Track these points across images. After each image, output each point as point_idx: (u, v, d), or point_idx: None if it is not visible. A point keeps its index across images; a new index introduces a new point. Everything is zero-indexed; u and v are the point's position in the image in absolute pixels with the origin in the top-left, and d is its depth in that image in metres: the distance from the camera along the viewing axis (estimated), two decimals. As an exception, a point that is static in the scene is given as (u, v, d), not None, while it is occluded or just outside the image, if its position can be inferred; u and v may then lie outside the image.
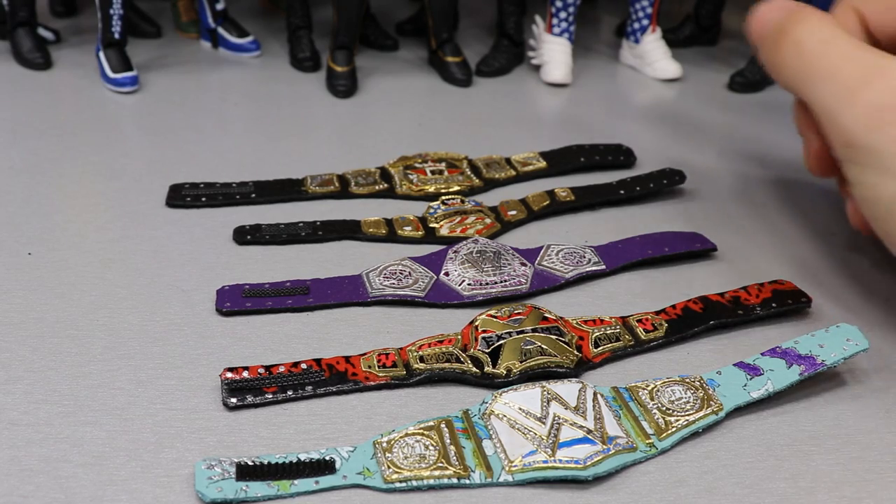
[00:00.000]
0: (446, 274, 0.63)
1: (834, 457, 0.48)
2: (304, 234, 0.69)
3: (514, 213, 0.73)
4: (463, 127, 0.94)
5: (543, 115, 1.02)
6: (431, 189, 0.77)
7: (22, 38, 1.07)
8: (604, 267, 0.65)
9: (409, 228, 0.70)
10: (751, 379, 0.51)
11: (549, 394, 0.49)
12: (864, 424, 0.50)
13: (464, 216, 0.72)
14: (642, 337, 0.56)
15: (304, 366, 0.52)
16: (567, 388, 0.49)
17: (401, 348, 0.54)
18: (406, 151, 0.84)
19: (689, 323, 0.58)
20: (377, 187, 0.77)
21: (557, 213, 0.75)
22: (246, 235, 0.69)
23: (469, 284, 0.62)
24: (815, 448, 0.48)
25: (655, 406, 0.49)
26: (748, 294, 0.60)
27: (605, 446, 0.46)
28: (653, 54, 1.12)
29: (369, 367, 0.53)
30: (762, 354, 0.53)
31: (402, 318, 0.59)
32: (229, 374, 0.51)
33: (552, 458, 0.45)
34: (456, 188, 0.78)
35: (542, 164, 0.83)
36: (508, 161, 0.83)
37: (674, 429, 0.48)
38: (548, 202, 0.74)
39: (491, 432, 0.47)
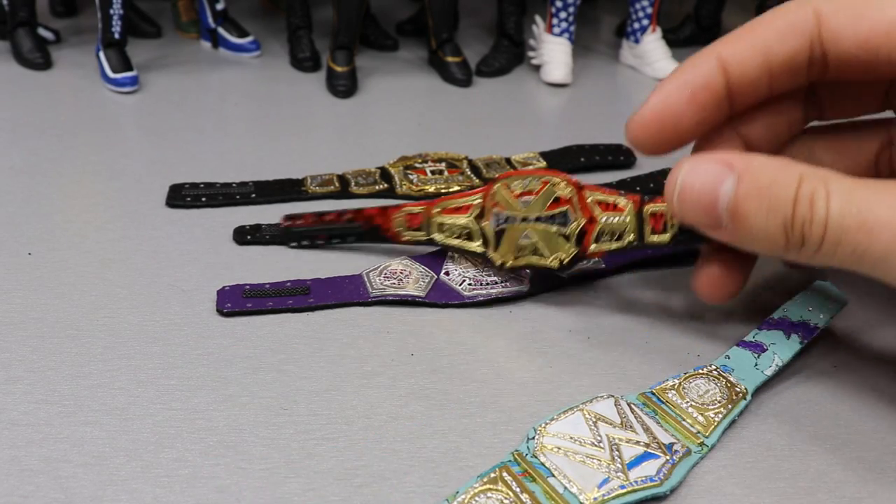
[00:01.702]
0: (447, 273, 0.63)
1: (834, 457, 0.48)
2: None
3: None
4: (463, 127, 0.94)
5: (543, 115, 1.02)
6: (431, 189, 0.77)
7: (22, 38, 1.07)
8: (603, 266, 0.65)
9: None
10: (758, 357, 0.52)
11: (591, 415, 0.48)
12: (863, 424, 0.50)
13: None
14: (647, 238, 0.55)
15: (348, 216, 0.60)
16: (604, 406, 0.49)
17: (427, 207, 0.59)
18: (406, 151, 0.84)
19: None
20: (377, 187, 0.77)
21: (557, 213, 0.75)
22: (246, 235, 0.69)
23: (470, 284, 0.62)
24: (815, 448, 0.48)
25: (689, 404, 0.50)
26: None
27: (667, 456, 0.46)
28: (653, 54, 1.12)
29: (399, 226, 0.58)
30: (759, 329, 0.54)
31: (403, 317, 0.59)
32: (287, 222, 0.61)
33: (628, 482, 0.44)
34: (456, 188, 0.78)
35: (542, 164, 0.83)
36: (508, 161, 0.83)
37: (716, 423, 0.48)
38: (548, 202, 0.75)
39: (552, 469, 0.45)
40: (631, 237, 0.54)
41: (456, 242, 0.57)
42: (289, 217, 0.60)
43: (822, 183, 0.45)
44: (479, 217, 0.56)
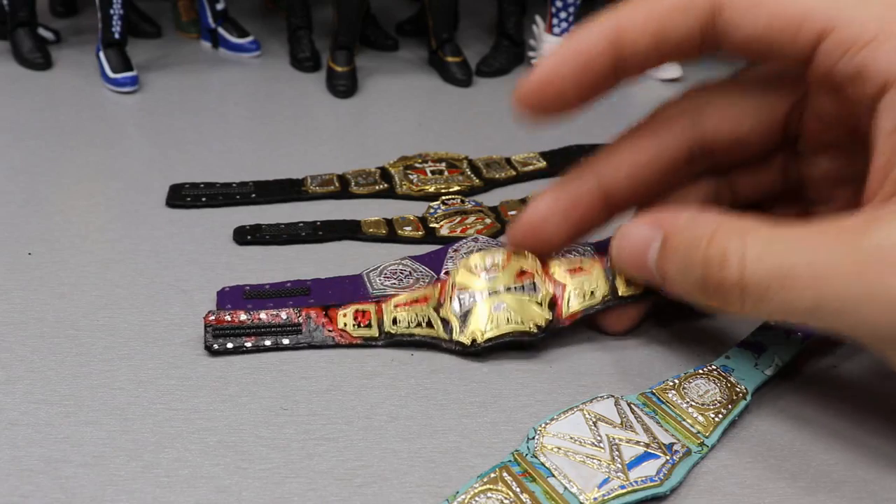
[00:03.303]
0: (447, 273, 0.63)
1: (834, 457, 0.48)
2: (305, 234, 0.69)
3: (514, 213, 0.73)
4: (463, 127, 0.94)
5: (543, 115, 1.02)
6: (431, 189, 0.77)
7: (22, 38, 1.07)
8: (604, 267, 0.65)
9: (409, 228, 0.70)
10: (758, 357, 0.52)
11: (591, 415, 0.48)
12: (864, 424, 0.50)
13: (464, 216, 0.72)
14: (620, 292, 0.54)
15: (283, 315, 0.55)
16: (604, 406, 0.49)
17: (378, 303, 0.56)
18: (406, 151, 0.84)
19: None
20: (377, 187, 0.77)
21: (557, 213, 0.74)
22: (246, 235, 0.69)
23: (469, 285, 0.62)
24: (815, 448, 0.48)
25: (689, 404, 0.49)
26: None
27: (668, 456, 0.46)
28: (653, 54, 1.12)
29: (345, 324, 0.54)
30: (759, 329, 0.54)
31: (403, 318, 0.59)
32: (212, 318, 0.54)
33: (628, 483, 0.44)
34: (456, 188, 0.78)
35: (542, 164, 0.83)
36: (508, 161, 0.83)
37: (716, 423, 0.48)
38: (548, 202, 0.74)
39: (552, 469, 0.45)
40: (604, 292, 0.54)
41: (416, 331, 0.54)
42: (216, 310, 0.55)
43: (739, 237, 0.43)
44: (438, 307, 0.54)
